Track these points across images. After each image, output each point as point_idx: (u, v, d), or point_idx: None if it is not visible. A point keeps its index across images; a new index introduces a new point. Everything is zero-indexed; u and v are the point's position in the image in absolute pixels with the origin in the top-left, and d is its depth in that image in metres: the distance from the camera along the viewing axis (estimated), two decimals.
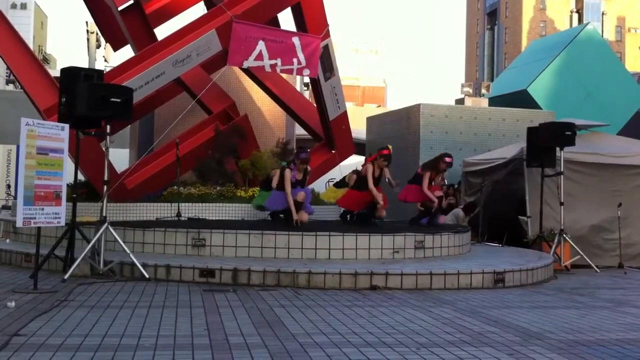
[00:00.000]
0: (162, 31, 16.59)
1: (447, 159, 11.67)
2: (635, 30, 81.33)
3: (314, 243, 9.58)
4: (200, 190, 13.02)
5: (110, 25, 15.04)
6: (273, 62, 12.23)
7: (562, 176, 11.93)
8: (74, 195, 9.05)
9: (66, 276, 8.23)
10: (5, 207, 17.58)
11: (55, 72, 12.35)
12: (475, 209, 14.38)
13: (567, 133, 11.90)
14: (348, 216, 11.78)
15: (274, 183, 11.02)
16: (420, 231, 10.45)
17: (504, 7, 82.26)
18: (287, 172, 10.72)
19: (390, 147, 11.41)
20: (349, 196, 11.52)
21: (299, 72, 12.75)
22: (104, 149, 9.10)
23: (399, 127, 17.65)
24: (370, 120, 19.85)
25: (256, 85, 15.28)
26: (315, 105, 14.55)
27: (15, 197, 8.80)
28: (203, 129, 14.08)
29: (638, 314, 7.24)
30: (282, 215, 11.09)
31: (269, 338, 5.45)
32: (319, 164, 14.00)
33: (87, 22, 26.59)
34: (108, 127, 8.89)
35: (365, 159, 12.03)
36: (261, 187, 11.98)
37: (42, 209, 7.71)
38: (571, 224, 12.44)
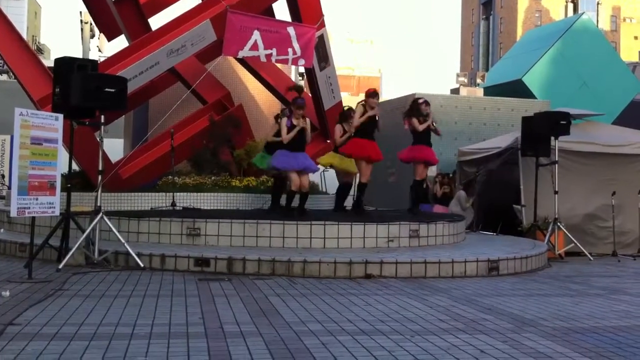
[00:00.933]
0: (157, 21, 16.54)
1: (420, 100, 11.37)
2: (631, 20, 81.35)
3: (309, 232, 9.57)
4: (195, 180, 13.01)
5: (104, 15, 14.98)
6: (268, 52, 12.21)
7: (556, 165, 11.96)
8: (69, 185, 9.03)
9: (61, 266, 8.23)
10: None
11: (49, 63, 12.33)
12: (473, 184, 14.37)
13: (561, 122, 11.93)
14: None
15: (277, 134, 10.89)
16: (414, 220, 10.46)
17: None
18: (283, 120, 10.46)
19: (374, 89, 11.25)
20: (352, 142, 10.94)
21: (294, 62, 12.73)
22: (98, 139, 9.08)
23: (394, 117, 17.58)
24: None
25: (251, 75, 15.25)
26: (310, 95, 14.53)
27: (9, 187, 8.82)
28: (198, 119, 14.04)
29: (631, 302, 7.28)
30: (283, 205, 10.95)
31: (264, 326, 5.46)
32: (314, 153, 14.00)
33: (81, 12, 26.45)
34: (102, 117, 8.88)
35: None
36: (265, 149, 11.85)
37: (37, 199, 7.70)
38: (565, 212, 12.49)
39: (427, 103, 11.26)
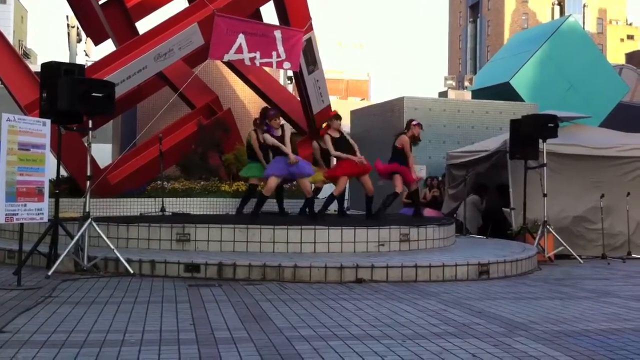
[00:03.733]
0: (144, 25, 16.46)
1: (414, 122, 11.60)
2: (617, 22, 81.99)
3: (299, 237, 9.56)
4: (184, 185, 12.99)
5: (91, 19, 14.93)
6: (252, 55, 12.17)
7: (545, 168, 12.00)
8: (57, 191, 8.98)
9: (50, 272, 8.17)
10: None
11: (35, 67, 12.25)
12: (486, 189, 14.46)
13: (549, 125, 11.96)
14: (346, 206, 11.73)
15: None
16: (405, 224, 10.46)
17: (486, 0, 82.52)
18: (266, 135, 10.55)
19: (335, 111, 11.53)
20: (337, 165, 11.15)
21: (279, 65, 12.68)
22: (86, 144, 9.03)
23: (382, 121, 17.66)
24: (354, 113, 19.84)
25: (240, 79, 15.24)
26: (298, 98, 14.53)
27: None
28: (186, 123, 14.04)
29: (621, 304, 7.30)
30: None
31: (255, 332, 5.44)
32: (303, 157, 14.00)
33: (67, 16, 26.34)
34: (90, 122, 8.83)
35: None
36: (248, 157, 11.92)
37: (25, 205, 7.64)
38: (555, 215, 12.52)
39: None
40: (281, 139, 10.55)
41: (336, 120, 11.03)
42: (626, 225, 13.01)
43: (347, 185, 13.48)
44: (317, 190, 11.82)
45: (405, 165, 11.45)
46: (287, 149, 10.49)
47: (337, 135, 11.01)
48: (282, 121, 11.02)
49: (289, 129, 10.84)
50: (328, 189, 12.35)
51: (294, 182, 11.80)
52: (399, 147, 11.48)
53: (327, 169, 11.68)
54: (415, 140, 11.60)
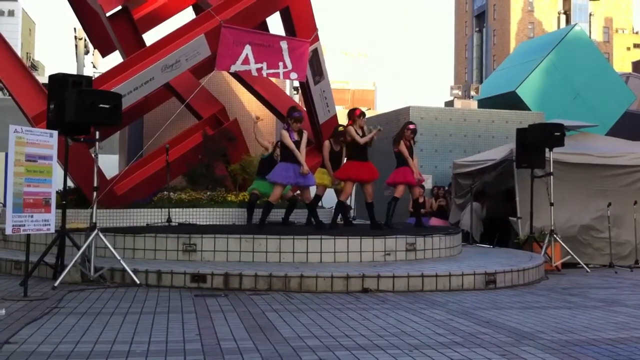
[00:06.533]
0: (151, 36, 16.54)
1: (411, 126, 11.55)
2: (623, 31, 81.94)
3: (305, 247, 9.56)
4: (190, 196, 13.00)
5: (98, 31, 15.00)
6: (259, 65, 12.20)
7: (551, 177, 11.98)
8: (64, 202, 9.00)
9: (56, 283, 8.18)
10: None
11: (43, 79, 12.33)
12: (485, 196, 14.47)
13: (556, 134, 11.96)
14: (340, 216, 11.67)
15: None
16: (411, 233, 10.45)
17: (492, 9, 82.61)
18: (284, 131, 10.52)
19: (360, 109, 11.55)
20: (347, 166, 11.17)
21: (286, 75, 12.70)
22: (93, 155, 9.06)
23: (388, 130, 17.65)
24: None
25: (246, 90, 15.27)
26: (305, 109, 14.54)
27: (4, 205, 8.82)
28: (193, 134, 14.06)
29: (629, 313, 7.27)
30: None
31: (261, 342, 5.43)
32: (310, 167, 13.99)
33: (75, 29, 26.54)
34: (97, 133, 8.86)
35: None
36: (258, 174, 12.00)
37: (32, 216, 7.66)
38: (562, 223, 12.50)
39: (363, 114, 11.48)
40: (298, 144, 10.49)
41: (361, 118, 11.08)
42: (633, 234, 12.97)
43: (353, 194, 13.52)
44: (318, 197, 11.80)
45: (407, 166, 11.43)
46: (302, 156, 10.48)
47: (360, 132, 11.02)
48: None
49: (306, 137, 10.77)
50: (325, 197, 12.38)
51: (297, 192, 11.81)
52: (395, 151, 11.52)
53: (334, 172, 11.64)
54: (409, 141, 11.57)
